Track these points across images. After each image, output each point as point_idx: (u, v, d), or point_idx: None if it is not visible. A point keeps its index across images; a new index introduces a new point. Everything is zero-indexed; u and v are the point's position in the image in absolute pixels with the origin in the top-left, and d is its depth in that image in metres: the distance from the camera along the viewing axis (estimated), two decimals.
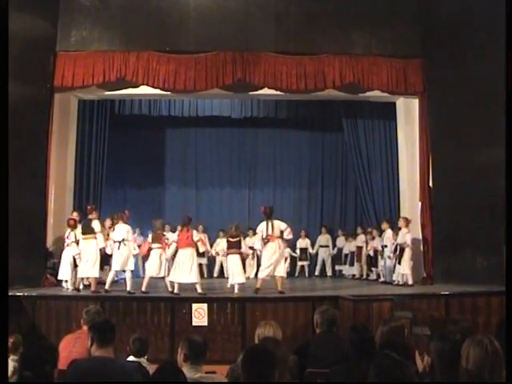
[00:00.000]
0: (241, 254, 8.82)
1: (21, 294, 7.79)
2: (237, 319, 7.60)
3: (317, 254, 12.95)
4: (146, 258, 9.38)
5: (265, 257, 8.55)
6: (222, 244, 11.12)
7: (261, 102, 12.90)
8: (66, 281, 8.81)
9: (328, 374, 3.48)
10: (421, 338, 6.46)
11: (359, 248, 12.03)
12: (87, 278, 8.82)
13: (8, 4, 5.47)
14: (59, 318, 7.59)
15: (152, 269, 8.63)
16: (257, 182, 13.98)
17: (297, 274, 12.92)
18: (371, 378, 2.62)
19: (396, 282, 9.77)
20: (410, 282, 9.48)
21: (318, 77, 9.92)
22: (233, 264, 8.65)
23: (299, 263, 12.96)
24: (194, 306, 7.57)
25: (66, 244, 8.97)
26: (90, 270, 8.52)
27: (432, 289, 8.98)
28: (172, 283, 8.38)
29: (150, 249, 8.85)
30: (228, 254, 8.87)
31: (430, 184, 10.03)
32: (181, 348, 3.43)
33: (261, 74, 9.85)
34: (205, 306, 7.58)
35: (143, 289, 8.38)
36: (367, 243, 11.68)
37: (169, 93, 10.33)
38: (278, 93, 10.30)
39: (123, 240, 8.58)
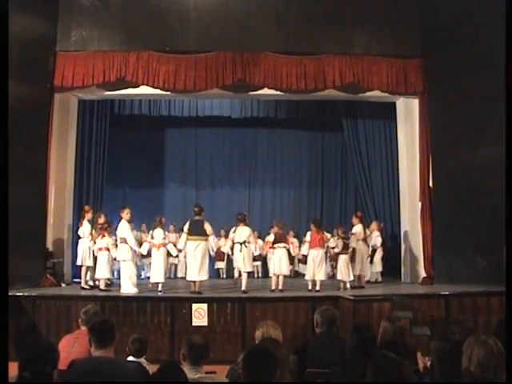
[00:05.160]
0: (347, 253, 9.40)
1: (21, 293, 7.79)
2: (237, 319, 7.60)
3: None
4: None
5: (365, 254, 9.80)
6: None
7: (261, 102, 12.89)
8: (159, 284, 8.56)
9: (328, 373, 3.49)
10: (421, 338, 6.47)
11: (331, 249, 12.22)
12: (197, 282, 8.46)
13: (8, 4, 5.47)
14: (59, 318, 7.60)
15: (281, 268, 8.91)
16: (256, 182, 13.99)
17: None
18: (368, 377, 2.62)
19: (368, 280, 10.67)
20: (380, 279, 10.57)
21: (318, 77, 9.91)
22: (344, 262, 9.23)
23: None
24: (194, 306, 7.57)
25: (149, 245, 8.96)
26: (197, 272, 8.33)
27: (432, 289, 9.00)
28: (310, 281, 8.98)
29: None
30: (340, 254, 9.36)
31: (430, 184, 10.03)
32: (182, 348, 3.44)
33: (261, 74, 9.83)
34: (205, 306, 7.58)
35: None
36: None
37: (169, 93, 10.30)
38: (278, 93, 10.28)
39: (245, 242, 8.71)
